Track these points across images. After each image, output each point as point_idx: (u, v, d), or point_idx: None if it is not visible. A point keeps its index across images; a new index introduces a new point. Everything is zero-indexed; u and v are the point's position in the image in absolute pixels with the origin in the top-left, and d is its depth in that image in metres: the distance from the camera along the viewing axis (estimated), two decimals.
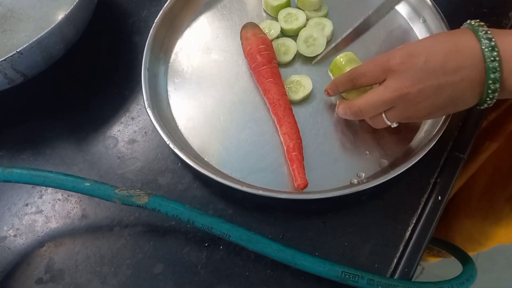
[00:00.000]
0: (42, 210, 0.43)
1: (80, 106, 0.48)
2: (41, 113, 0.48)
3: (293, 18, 0.49)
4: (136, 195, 0.36)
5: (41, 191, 0.44)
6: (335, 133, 0.44)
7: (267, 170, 0.42)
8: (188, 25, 0.52)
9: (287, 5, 0.51)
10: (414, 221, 0.40)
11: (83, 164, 0.45)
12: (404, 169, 0.39)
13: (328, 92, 0.42)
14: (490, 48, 0.32)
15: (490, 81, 0.32)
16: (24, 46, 0.40)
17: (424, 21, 0.48)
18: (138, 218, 0.41)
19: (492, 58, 0.32)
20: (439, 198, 0.40)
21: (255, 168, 0.42)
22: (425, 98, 0.34)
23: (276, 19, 0.50)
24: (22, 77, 0.45)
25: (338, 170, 0.42)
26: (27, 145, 0.46)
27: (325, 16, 0.50)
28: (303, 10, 0.50)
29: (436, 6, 0.47)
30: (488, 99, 0.34)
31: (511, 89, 0.33)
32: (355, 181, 0.41)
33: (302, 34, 0.48)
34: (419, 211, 0.40)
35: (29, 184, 0.37)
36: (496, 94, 0.33)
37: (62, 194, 0.43)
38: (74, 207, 0.43)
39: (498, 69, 0.32)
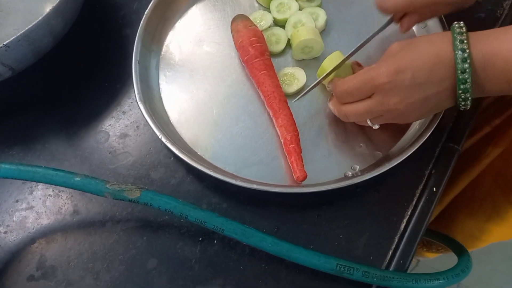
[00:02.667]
0: (33, 206, 0.42)
1: (70, 100, 0.48)
2: (31, 108, 0.48)
3: (286, 7, 0.48)
4: (127, 190, 0.36)
5: (31, 187, 0.43)
6: (330, 126, 0.43)
7: (261, 163, 0.42)
8: (179, 17, 0.51)
9: None
10: (409, 213, 0.39)
11: (74, 159, 0.44)
12: (399, 161, 0.38)
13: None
14: (462, 59, 0.32)
15: (460, 91, 0.34)
16: (11, 39, 0.39)
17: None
18: (131, 213, 0.41)
19: (462, 70, 0.32)
20: (434, 189, 0.40)
21: (249, 161, 0.42)
22: (412, 111, 0.36)
23: (268, 9, 0.50)
24: (10, 71, 0.44)
25: (332, 163, 0.42)
26: (17, 141, 0.45)
27: (319, 6, 0.50)
28: (296, 0, 0.49)
29: None
30: (461, 105, 0.35)
31: (485, 93, 0.35)
32: (350, 173, 0.40)
33: (291, 19, 0.47)
34: (414, 202, 0.40)
35: (18, 179, 0.36)
36: (468, 102, 0.35)
37: (53, 190, 0.43)
38: (66, 203, 0.42)
39: (468, 80, 0.33)
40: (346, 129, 0.43)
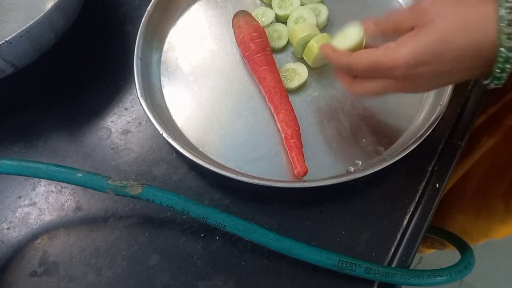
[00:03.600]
0: (35, 203, 0.42)
1: (72, 97, 0.48)
2: (33, 105, 0.48)
3: (287, 3, 0.48)
4: (129, 186, 0.36)
5: (34, 183, 0.43)
6: (332, 121, 0.43)
7: (263, 159, 0.42)
8: (181, 13, 0.51)
9: None
10: (411, 209, 0.39)
11: (76, 156, 0.44)
12: (401, 156, 0.38)
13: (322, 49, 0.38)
14: (505, 60, 0.28)
15: (493, 85, 0.31)
16: (13, 35, 0.39)
17: None
18: (133, 209, 0.41)
19: (501, 69, 0.29)
20: (437, 185, 0.40)
21: (251, 157, 0.42)
22: (427, 89, 0.36)
23: (270, 6, 0.49)
24: (12, 67, 0.44)
25: (334, 159, 0.41)
26: (19, 138, 0.45)
27: (321, 2, 0.49)
28: None
29: None
30: (487, 87, 0.32)
31: None
32: (352, 169, 0.40)
33: (293, 14, 0.47)
34: (416, 198, 0.40)
35: (20, 175, 0.36)
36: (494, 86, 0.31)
37: (55, 186, 0.43)
38: (68, 199, 0.42)
39: (504, 77, 0.29)
40: (348, 124, 0.43)
